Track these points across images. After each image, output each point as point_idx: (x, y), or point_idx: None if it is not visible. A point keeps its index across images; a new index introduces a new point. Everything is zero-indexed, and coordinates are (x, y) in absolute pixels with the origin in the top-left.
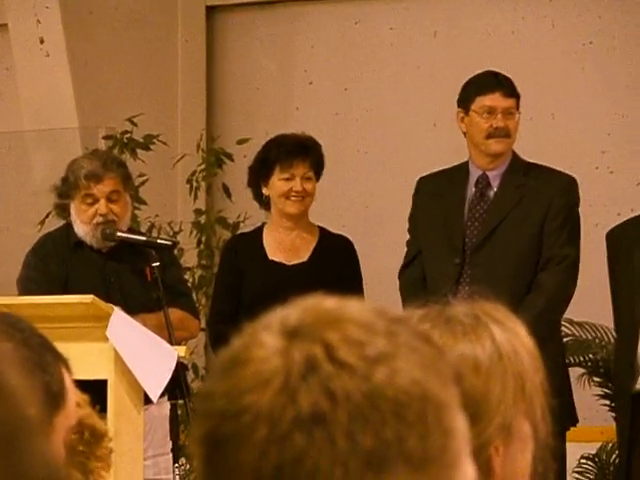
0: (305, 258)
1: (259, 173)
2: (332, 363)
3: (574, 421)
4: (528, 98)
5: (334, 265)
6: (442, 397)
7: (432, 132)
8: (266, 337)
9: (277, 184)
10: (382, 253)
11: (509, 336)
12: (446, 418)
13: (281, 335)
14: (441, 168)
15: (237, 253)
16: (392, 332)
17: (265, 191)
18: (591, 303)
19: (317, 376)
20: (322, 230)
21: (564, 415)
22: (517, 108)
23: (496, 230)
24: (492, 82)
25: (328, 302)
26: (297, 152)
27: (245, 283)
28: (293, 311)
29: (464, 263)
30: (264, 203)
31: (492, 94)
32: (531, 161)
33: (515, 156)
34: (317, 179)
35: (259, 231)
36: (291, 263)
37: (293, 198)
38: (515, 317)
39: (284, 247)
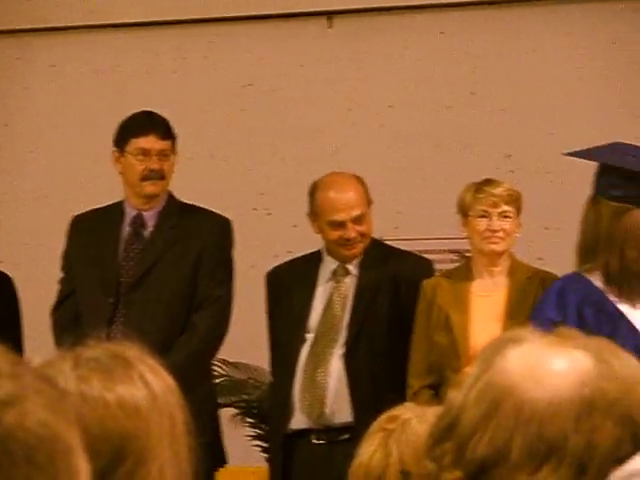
0: None
1: None
2: None
3: (222, 462)
4: (187, 138)
5: None
6: (69, 439)
7: (91, 170)
8: None
9: None
10: (43, 291)
11: (156, 377)
12: (73, 460)
13: None
14: (97, 207)
15: None
16: (17, 374)
17: None
18: (246, 344)
19: None
20: None
21: (212, 456)
22: (173, 149)
23: (151, 270)
24: (147, 124)
25: None
26: None
27: None
28: None
29: (118, 302)
30: None
31: (146, 136)
32: (187, 202)
33: (171, 196)
34: None
35: None
36: None
37: None
38: (155, 357)
39: None
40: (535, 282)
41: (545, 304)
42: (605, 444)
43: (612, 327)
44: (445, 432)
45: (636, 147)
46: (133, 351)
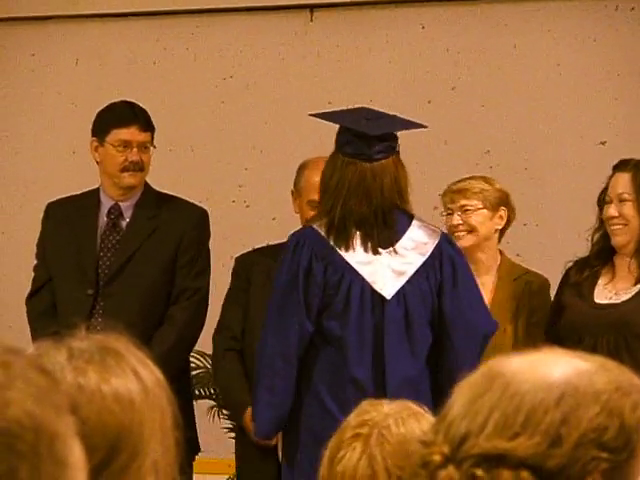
0: None
1: None
2: None
3: (196, 452)
4: (167, 129)
5: None
6: (56, 428)
7: (71, 160)
8: None
9: None
10: (17, 278)
11: (147, 370)
12: (60, 449)
13: None
14: (71, 194)
15: None
16: (6, 362)
17: None
18: None
19: None
20: None
21: (188, 447)
22: (152, 141)
23: (130, 261)
24: (128, 115)
25: None
26: None
27: None
28: None
29: (97, 294)
30: None
31: (128, 128)
32: (163, 191)
33: (147, 186)
34: None
35: None
36: None
37: None
38: (143, 349)
39: None
40: (521, 285)
41: (282, 263)
42: (586, 425)
43: (339, 276)
44: (439, 419)
45: (377, 112)
46: (121, 343)
